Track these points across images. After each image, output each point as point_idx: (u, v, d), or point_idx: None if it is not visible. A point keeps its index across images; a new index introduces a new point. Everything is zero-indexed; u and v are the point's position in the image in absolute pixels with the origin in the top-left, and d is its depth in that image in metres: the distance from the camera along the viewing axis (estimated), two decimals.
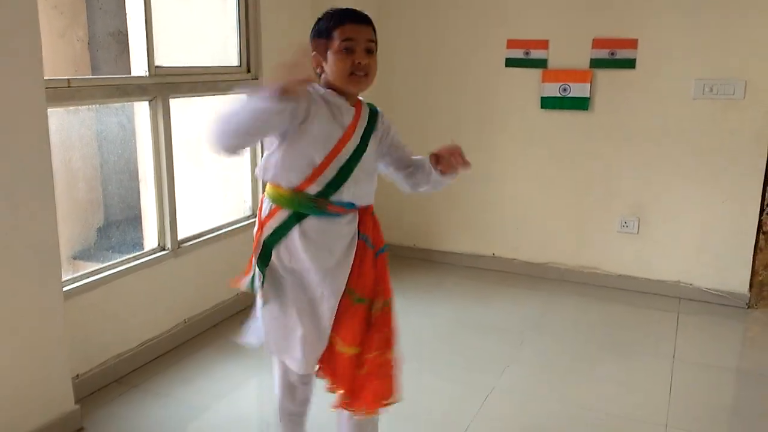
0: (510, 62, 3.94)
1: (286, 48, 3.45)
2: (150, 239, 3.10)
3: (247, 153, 3.54)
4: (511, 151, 4.01)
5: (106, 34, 4.17)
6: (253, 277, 1.82)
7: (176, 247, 3.01)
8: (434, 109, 4.17)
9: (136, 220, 3.60)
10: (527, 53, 3.90)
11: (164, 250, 2.98)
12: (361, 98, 1.83)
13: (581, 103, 3.77)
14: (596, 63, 3.71)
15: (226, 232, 3.34)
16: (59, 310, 2.26)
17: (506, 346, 3.06)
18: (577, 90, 3.78)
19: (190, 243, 3.12)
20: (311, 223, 1.72)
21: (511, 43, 3.92)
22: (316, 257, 1.73)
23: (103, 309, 2.65)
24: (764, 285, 3.58)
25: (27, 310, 2.15)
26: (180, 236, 3.06)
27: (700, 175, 3.61)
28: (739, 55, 3.44)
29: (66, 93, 2.42)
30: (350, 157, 1.73)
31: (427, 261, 4.32)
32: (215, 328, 3.23)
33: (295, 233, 1.73)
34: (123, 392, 2.62)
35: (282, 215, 1.73)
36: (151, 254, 2.92)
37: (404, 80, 4.20)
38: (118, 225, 3.91)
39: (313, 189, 1.70)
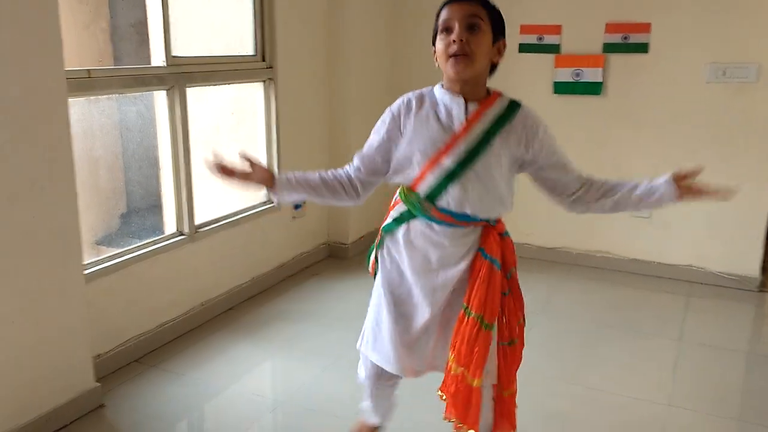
0: (523, 48, 3.95)
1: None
2: (169, 225, 3.20)
3: (262, 145, 3.62)
4: None
5: (128, 25, 4.26)
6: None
7: (193, 233, 3.11)
8: None
9: (156, 207, 3.71)
10: (540, 38, 3.91)
11: (182, 235, 3.08)
12: (497, 92, 1.67)
13: (594, 88, 3.78)
14: (609, 48, 3.72)
15: (242, 218, 3.43)
16: (81, 292, 2.37)
17: None
18: (590, 75, 3.79)
19: (207, 228, 3.21)
20: (416, 224, 1.68)
21: (525, 29, 3.93)
22: (412, 259, 1.70)
23: (123, 292, 2.76)
24: None
25: (50, 292, 2.25)
26: (197, 222, 3.16)
27: (713, 159, 3.60)
28: (751, 39, 3.42)
29: (86, 83, 2.52)
30: (459, 162, 1.59)
31: None
32: (231, 311, 3.33)
33: (402, 229, 1.71)
34: (141, 371, 2.73)
35: (400, 208, 1.72)
36: (169, 239, 3.02)
37: (416, 67, 4.24)
38: (139, 211, 4.03)
39: (421, 191, 1.64)
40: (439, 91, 1.66)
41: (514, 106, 1.64)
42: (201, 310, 3.17)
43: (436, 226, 1.65)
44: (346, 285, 3.70)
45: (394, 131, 1.69)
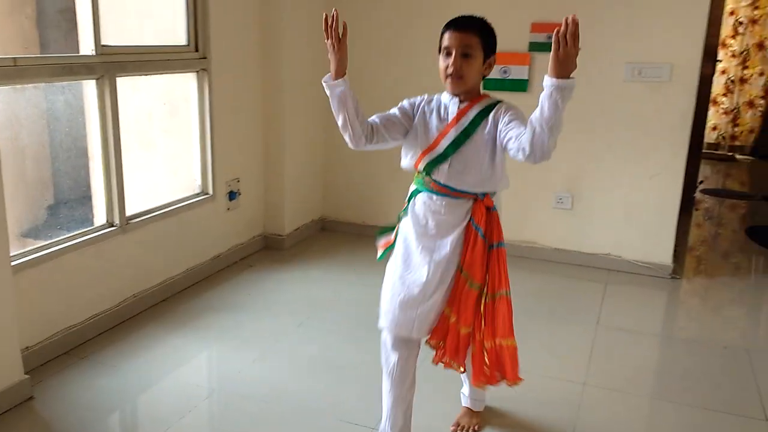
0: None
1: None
2: (100, 216, 3.17)
3: (196, 136, 3.61)
4: None
5: (55, 12, 4.15)
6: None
7: (124, 224, 3.09)
8: (379, 89, 4.29)
9: (86, 198, 3.65)
10: None
11: (112, 226, 3.06)
12: (485, 95, 2.03)
13: (521, 85, 3.95)
14: (534, 46, 3.88)
15: (175, 208, 3.42)
16: (8, 284, 2.34)
17: None
18: (517, 72, 3.95)
19: (139, 219, 3.20)
20: (421, 196, 2.06)
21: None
22: (415, 225, 2.05)
23: (52, 284, 2.73)
24: (700, 261, 3.83)
25: None
26: (128, 213, 3.14)
27: (630, 154, 3.83)
28: (665, 40, 3.65)
29: (13, 72, 2.48)
30: (450, 144, 1.98)
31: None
32: (164, 302, 3.33)
33: (411, 203, 2.09)
34: (72, 363, 2.71)
35: (411, 188, 2.11)
36: (100, 230, 3.00)
37: (351, 65, 4.30)
38: (67, 203, 3.94)
39: (422, 165, 2.03)
40: (444, 95, 2.07)
41: (494, 104, 2.00)
42: (133, 301, 3.15)
43: (435, 196, 2.03)
44: (281, 276, 3.75)
45: (410, 108, 2.10)
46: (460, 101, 2.01)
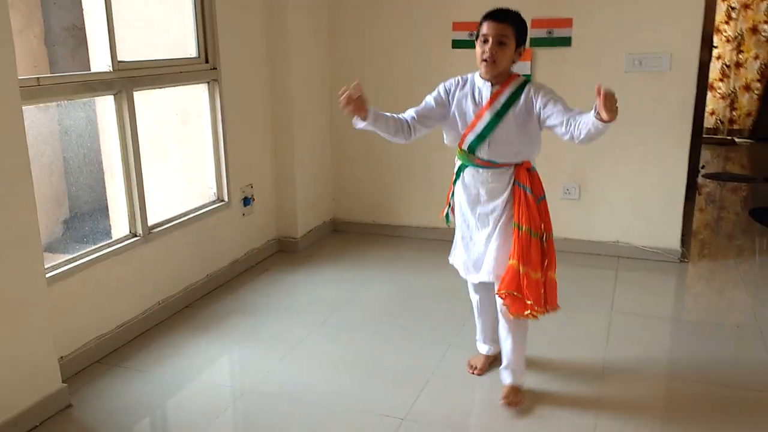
0: (456, 44, 4.16)
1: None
2: (118, 228, 3.25)
3: (209, 144, 3.69)
4: None
5: (62, 29, 4.24)
6: (447, 210, 2.61)
7: (147, 233, 3.17)
8: (385, 93, 4.37)
9: (101, 211, 3.73)
10: (472, 35, 4.11)
11: (136, 236, 3.13)
12: (515, 75, 2.33)
13: None
14: (535, 42, 3.96)
15: (193, 217, 3.50)
16: (44, 296, 2.42)
17: (460, 308, 3.30)
18: (519, 68, 3.92)
19: (160, 229, 3.28)
20: (468, 171, 2.41)
21: (457, 26, 4.14)
22: (468, 195, 2.43)
23: (82, 295, 2.81)
24: (705, 244, 3.91)
25: (13, 297, 2.30)
26: (150, 222, 3.22)
27: (634, 142, 3.91)
28: (664, 31, 3.73)
29: (37, 91, 2.55)
30: (486, 125, 2.30)
31: (386, 235, 4.56)
32: (188, 308, 3.41)
33: (461, 177, 2.44)
34: (105, 371, 2.80)
35: (456, 164, 2.46)
36: (124, 241, 3.07)
37: (355, 65, 4.39)
38: (83, 217, 4.03)
39: (464, 146, 2.36)
40: (477, 78, 2.36)
41: (523, 84, 2.31)
42: (159, 308, 3.23)
43: (480, 170, 2.36)
44: (298, 278, 3.83)
45: (446, 96, 2.40)
46: (492, 85, 2.29)
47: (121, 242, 3.05)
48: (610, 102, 2.04)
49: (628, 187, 3.97)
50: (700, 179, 6.04)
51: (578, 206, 4.09)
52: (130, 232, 3.14)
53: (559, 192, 4.10)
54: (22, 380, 2.35)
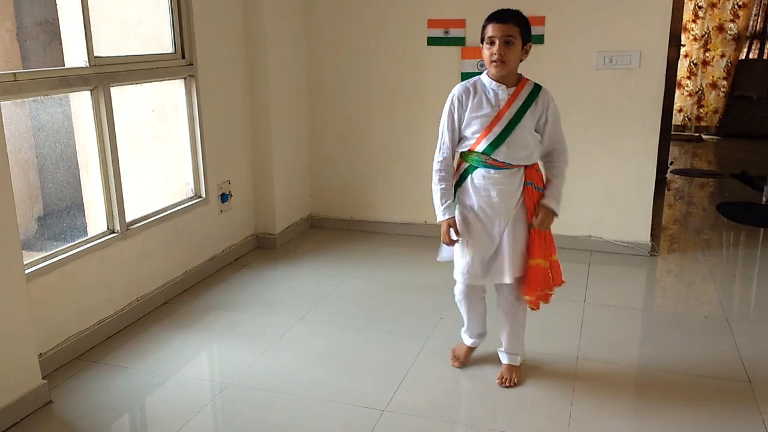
0: (431, 41, 4.21)
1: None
2: (95, 224, 3.24)
3: (186, 141, 3.69)
4: (436, 124, 4.28)
5: (34, 24, 4.19)
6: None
7: (125, 230, 3.17)
8: (362, 89, 4.41)
9: (77, 208, 3.71)
10: (447, 32, 4.18)
11: (114, 233, 3.13)
12: (525, 79, 2.41)
13: None
14: None
15: (170, 213, 3.50)
16: (23, 292, 2.41)
17: (438, 302, 3.37)
18: None
19: (138, 225, 3.27)
20: (478, 172, 2.43)
21: (432, 23, 4.19)
22: (479, 197, 2.44)
23: (60, 291, 2.80)
24: (674, 238, 4.01)
25: None
26: (128, 219, 3.21)
27: (605, 138, 4.00)
28: (633, 29, 3.82)
29: (14, 86, 2.54)
30: (504, 128, 2.35)
31: (364, 231, 4.60)
32: (167, 304, 3.41)
33: (468, 179, 2.45)
34: (85, 367, 2.79)
35: (463, 167, 2.48)
36: (102, 237, 3.07)
37: (331, 61, 4.42)
38: (58, 213, 3.99)
39: (480, 148, 2.39)
40: (486, 80, 2.41)
41: (537, 89, 2.40)
42: (138, 305, 3.23)
43: (493, 171, 2.41)
44: (276, 274, 3.85)
45: (460, 111, 2.43)
46: (507, 87, 2.37)
47: (99, 238, 3.04)
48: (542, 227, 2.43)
49: (599, 182, 4.07)
50: (668, 175, 6.19)
51: None
52: (108, 228, 3.13)
53: None
54: (1, 377, 2.34)
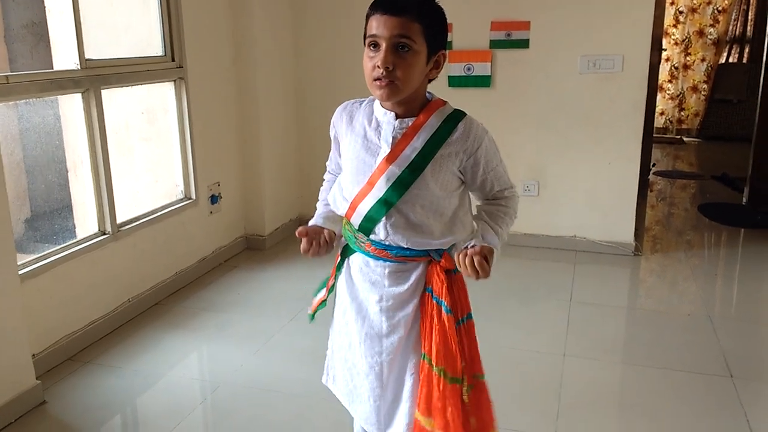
0: None
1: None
2: (84, 226, 3.25)
3: (176, 143, 3.71)
4: None
5: (20, 27, 4.19)
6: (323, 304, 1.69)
7: (116, 231, 3.19)
8: (350, 90, 4.44)
9: (66, 210, 3.71)
10: None
11: (105, 234, 3.14)
12: (438, 103, 1.46)
13: (484, 81, 4.15)
14: (495, 44, 4.09)
15: (161, 215, 3.52)
16: (17, 293, 2.43)
17: None
18: (480, 69, 4.15)
19: (128, 227, 3.29)
20: (356, 260, 1.53)
21: None
22: (354, 299, 1.54)
23: (53, 292, 2.81)
24: (657, 239, 4.09)
25: None
26: (118, 220, 3.23)
27: (589, 141, 4.08)
28: (616, 33, 3.90)
29: (5, 89, 2.55)
30: (387, 190, 1.40)
31: None
32: (157, 305, 3.43)
33: (345, 265, 1.56)
34: (77, 368, 2.80)
35: (343, 242, 1.57)
36: (93, 239, 3.08)
37: (320, 63, 4.46)
38: (46, 216, 3.99)
39: (355, 221, 1.46)
40: (377, 107, 1.46)
41: (452, 120, 1.43)
42: (129, 306, 3.25)
43: (372, 262, 1.48)
44: (266, 275, 3.88)
45: (337, 141, 1.58)
46: (402, 117, 1.42)
47: (90, 240, 3.06)
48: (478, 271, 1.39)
49: (584, 184, 4.14)
50: (651, 177, 6.28)
51: (537, 202, 4.24)
52: (99, 230, 3.15)
53: (519, 189, 4.22)
54: None
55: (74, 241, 3.01)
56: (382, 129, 1.43)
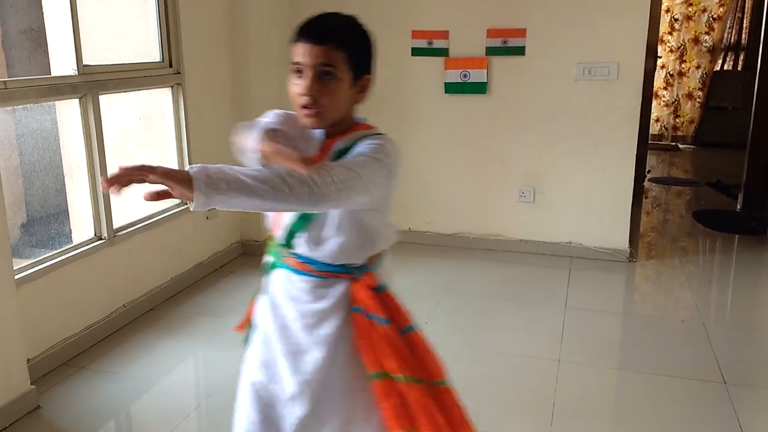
0: (415, 51, 4.28)
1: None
2: (80, 231, 3.26)
3: (173, 148, 3.72)
4: (420, 133, 4.38)
5: (19, 32, 4.20)
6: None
7: (112, 236, 3.19)
8: None
9: (62, 215, 3.72)
10: (430, 43, 4.26)
11: (101, 239, 3.15)
12: (361, 126, 1.47)
13: (480, 88, 4.17)
14: (491, 51, 4.11)
15: (157, 220, 3.52)
16: (12, 297, 2.43)
17: (423, 306, 3.41)
18: (476, 76, 4.17)
19: (125, 232, 3.30)
20: (278, 275, 1.50)
21: (416, 34, 4.26)
22: (275, 317, 1.50)
23: (48, 297, 2.82)
24: (652, 245, 4.11)
25: None
26: (115, 226, 3.23)
27: (583, 148, 4.10)
28: (612, 41, 3.93)
29: (2, 94, 2.56)
30: None
31: None
32: (153, 311, 3.43)
33: (268, 282, 1.53)
34: (72, 373, 2.81)
35: (268, 258, 1.54)
36: (89, 243, 3.09)
37: None
38: (42, 220, 4.00)
39: (279, 235, 1.46)
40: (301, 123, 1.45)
41: (362, 137, 1.43)
42: (124, 311, 3.25)
43: (293, 276, 1.46)
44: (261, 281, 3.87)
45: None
46: (326, 134, 1.45)
47: (86, 245, 3.06)
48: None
49: (579, 190, 4.16)
50: (646, 183, 6.31)
51: (533, 209, 4.25)
52: (96, 235, 3.15)
53: (514, 195, 4.26)
54: None
55: (70, 246, 3.01)
56: (309, 140, 1.46)
